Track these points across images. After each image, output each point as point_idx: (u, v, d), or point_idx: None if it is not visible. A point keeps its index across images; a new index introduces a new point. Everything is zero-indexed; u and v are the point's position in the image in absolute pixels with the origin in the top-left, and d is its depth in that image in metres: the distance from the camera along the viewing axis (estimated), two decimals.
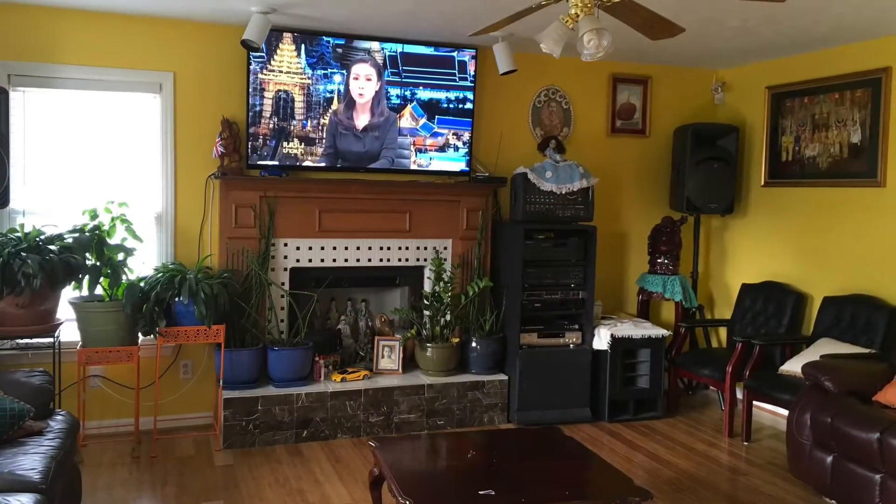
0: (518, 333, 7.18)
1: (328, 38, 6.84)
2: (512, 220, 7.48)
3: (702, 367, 7.39)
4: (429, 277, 7.41)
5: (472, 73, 7.33)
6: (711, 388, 8.16)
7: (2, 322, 5.72)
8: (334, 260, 7.12)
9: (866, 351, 6.29)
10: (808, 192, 7.46)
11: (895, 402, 5.34)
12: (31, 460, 4.09)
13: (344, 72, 6.92)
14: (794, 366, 6.41)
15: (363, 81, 7.01)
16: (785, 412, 6.23)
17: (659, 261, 8.06)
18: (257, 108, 6.69)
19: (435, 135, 7.29)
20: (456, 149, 7.37)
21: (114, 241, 6.19)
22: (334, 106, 6.92)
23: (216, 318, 6.16)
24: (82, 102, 6.53)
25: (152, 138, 6.72)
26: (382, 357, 7.15)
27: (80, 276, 5.93)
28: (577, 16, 4.07)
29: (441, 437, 5.55)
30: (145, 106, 6.69)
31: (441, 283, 7.14)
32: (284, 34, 6.69)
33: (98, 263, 6.01)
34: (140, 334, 6.24)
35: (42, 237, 5.86)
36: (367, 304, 7.65)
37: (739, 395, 7.11)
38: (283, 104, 6.77)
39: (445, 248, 7.48)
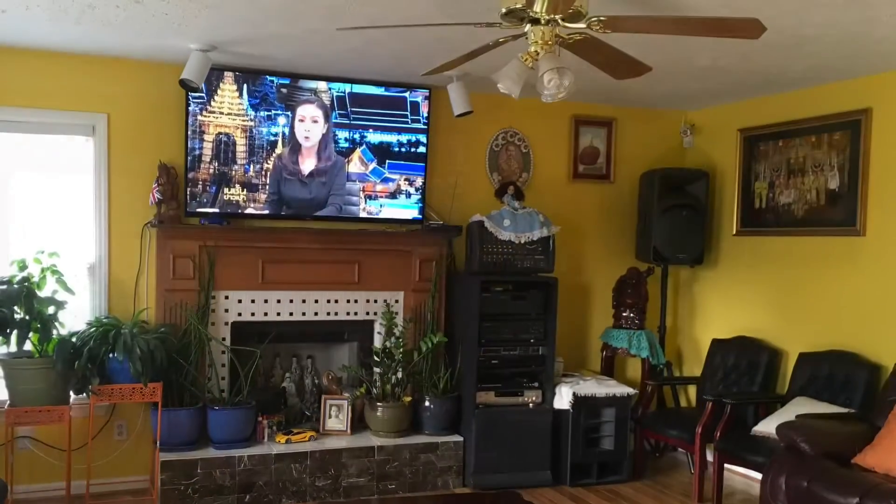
0: (474, 392, 7.44)
1: (272, 78, 7.17)
2: (468, 272, 7.75)
3: (670, 427, 7.64)
4: (379, 332, 7.69)
5: (426, 114, 7.69)
6: (680, 449, 8.41)
7: None
8: (278, 314, 7.42)
9: (845, 410, 6.51)
10: (783, 241, 7.78)
11: (875, 465, 5.57)
12: None
13: (289, 113, 7.25)
14: (768, 426, 6.57)
15: (309, 123, 7.34)
16: (758, 476, 6.38)
17: (624, 314, 8.36)
18: (196, 152, 7.00)
19: (386, 180, 7.63)
20: (408, 195, 7.70)
21: (44, 293, 6.41)
22: (278, 150, 7.24)
23: (153, 375, 6.39)
24: (10, 146, 6.79)
25: (85, 184, 6.98)
26: (330, 417, 7.39)
27: (8, 330, 6.12)
28: (537, 54, 4.26)
29: (392, 502, 5.67)
30: (77, 149, 6.97)
31: (392, 339, 7.43)
32: (225, 73, 7.02)
33: (27, 317, 6.21)
34: (72, 393, 6.44)
35: None
36: (314, 360, 7.90)
37: (710, 457, 7.27)
38: (224, 148, 7.07)
39: (397, 301, 7.78)
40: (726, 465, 7.24)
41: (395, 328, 7.47)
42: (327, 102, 7.36)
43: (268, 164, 7.20)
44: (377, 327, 7.74)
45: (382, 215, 7.65)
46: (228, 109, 7.05)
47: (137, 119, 7.04)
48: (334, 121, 7.40)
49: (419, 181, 7.72)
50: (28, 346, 6.31)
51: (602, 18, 4.18)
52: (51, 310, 6.33)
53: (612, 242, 8.77)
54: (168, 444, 6.62)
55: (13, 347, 6.26)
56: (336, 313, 7.60)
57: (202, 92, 6.90)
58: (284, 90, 7.21)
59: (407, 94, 7.61)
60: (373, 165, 7.56)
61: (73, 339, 6.37)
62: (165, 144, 7.06)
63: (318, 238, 7.40)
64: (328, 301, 7.56)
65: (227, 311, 7.22)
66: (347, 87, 7.41)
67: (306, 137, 7.32)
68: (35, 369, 6.21)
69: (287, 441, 7.01)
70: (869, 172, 6.95)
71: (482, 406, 7.46)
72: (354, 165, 7.50)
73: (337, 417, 7.39)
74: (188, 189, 7.00)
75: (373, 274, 7.67)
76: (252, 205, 7.20)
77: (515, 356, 7.66)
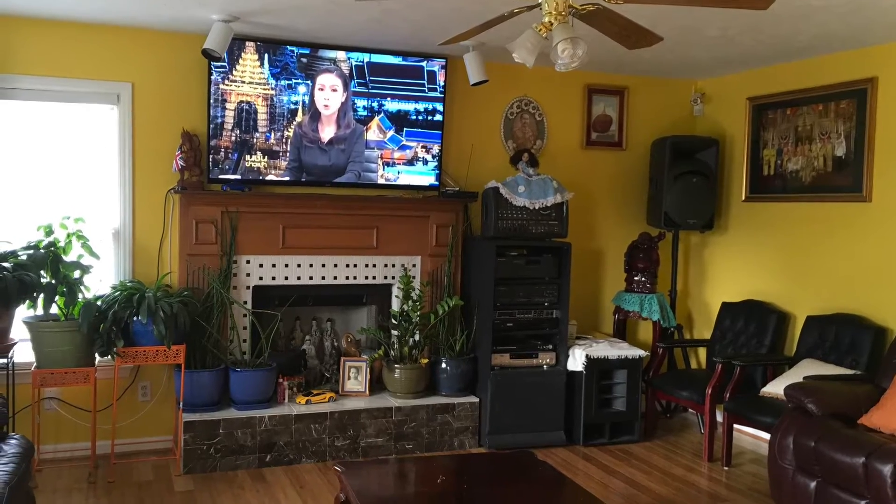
0: (489, 354, 7.37)
1: (292, 48, 7.06)
2: (483, 237, 7.67)
3: (680, 388, 7.55)
4: (397, 296, 7.60)
5: (442, 83, 7.58)
6: (690, 410, 8.35)
7: None
8: (299, 277, 7.34)
9: (851, 372, 6.45)
10: (791, 207, 7.67)
11: (881, 425, 5.47)
12: None
13: (309, 82, 7.15)
14: (776, 387, 6.56)
15: (328, 92, 7.23)
16: (766, 436, 6.33)
17: (636, 278, 8.27)
18: (219, 120, 6.90)
19: (403, 148, 7.52)
20: (425, 162, 7.60)
21: (70, 258, 6.35)
22: (299, 118, 7.14)
23: (176, 338, 6.35)
24: (37, 114, 6.71)
25: (110, 151, 6.91)
26: (349, 378, 7.34)
27: (35, 294, 6.09)
28: (551, 24, 4.14)
29: (409, 461, 5.59)
30: (102, 117, 6.90)
31: (410, 302, 7.34)
32: (247, 43, 6.91)
33: (53, 281, 6.16)
34: (97, 355, 6.39)
35: None
36: (333, 323, 7.83)
37: (719, 417, 7.23)
38: (246, 116, 6.98)
39: (414, 266, 7.70)
40: (735, 426, 7.28)
41: (412, 292, 7.38)
42: (346, 72, 7.25)
43: (288, 131, 7.11)
44: (395, 291, 7.67)
45: (400, 182, 7.56)
46: (250, 78, 6.95)
47: (161, 88, 6.96)
48: (353, 89, 7.29)
49: (436, 148, 7.62)
50: (54, 309, 6.25)
51: None
52: (76, 274, 6.27)
53: (624, 208, 8.70)
54: (191, 404, 6.58)
55: (40, 311, 6.23)
56: (355, 277, 7.52)
57: (224, 61, 6.82)
58: (304, 60, 7.11)
59: (424, 64, 7.51)
60: (391, 133, 7.46)
61: (99, 303, 6.33)
62: (188, 113, 6.99)
63: (338, 204, 7.33)
64: (347, 265, 7.48)
65: (248, 275, 7.15)
66: (366, 57, 7.30)
67: (325, 106, 7.22)
68: (61, 332, 6.17)
69: (307, 402, 6.96)
70: (875, 140, 6.87)
71: (497, 368, 7.39)
72: (373, 133, 7.40)
73: (356, 379, 7.33)
74: (210, 156, 6.92)
75: (391, 239, 7.59)
76: (273, 171, 7.12)
77: (530, 319, 7.59)
